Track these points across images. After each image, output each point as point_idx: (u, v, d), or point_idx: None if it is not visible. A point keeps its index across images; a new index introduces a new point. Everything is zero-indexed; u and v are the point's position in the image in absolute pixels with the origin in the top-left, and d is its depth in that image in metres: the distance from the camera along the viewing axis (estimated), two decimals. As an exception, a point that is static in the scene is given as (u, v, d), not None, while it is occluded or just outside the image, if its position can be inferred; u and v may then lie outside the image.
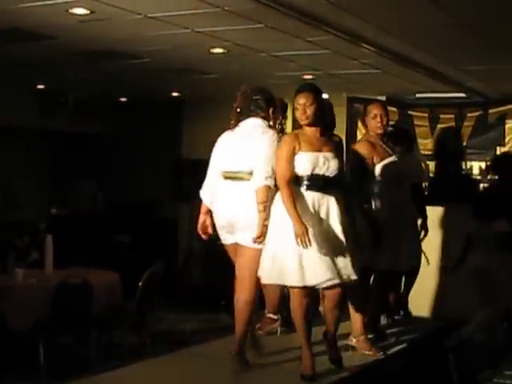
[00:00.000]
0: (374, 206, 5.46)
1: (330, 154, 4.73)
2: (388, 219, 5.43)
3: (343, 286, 4.75)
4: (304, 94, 4.78)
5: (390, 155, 5.55)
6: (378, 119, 5.55)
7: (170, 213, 11.92)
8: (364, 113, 5.76)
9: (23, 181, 11.64)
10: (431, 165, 10.08)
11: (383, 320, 6.25)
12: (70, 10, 6.02)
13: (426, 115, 10.25)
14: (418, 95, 10.16)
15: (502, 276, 6.08)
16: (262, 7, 5.55)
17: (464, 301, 8.18)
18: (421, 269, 7.35)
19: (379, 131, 5.57)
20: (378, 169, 5.46)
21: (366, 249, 5.33)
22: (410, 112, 10.32)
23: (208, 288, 10.54)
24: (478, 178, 9.87)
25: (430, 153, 10.14)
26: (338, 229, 4.64)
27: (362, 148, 5.58)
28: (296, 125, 7.80)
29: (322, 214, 4.64)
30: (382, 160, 5.48)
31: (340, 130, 8.61)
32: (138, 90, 10.94)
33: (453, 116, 10.07)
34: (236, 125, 5.09)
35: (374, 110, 5.59)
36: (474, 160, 9.94)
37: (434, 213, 8.00)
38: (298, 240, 4.45)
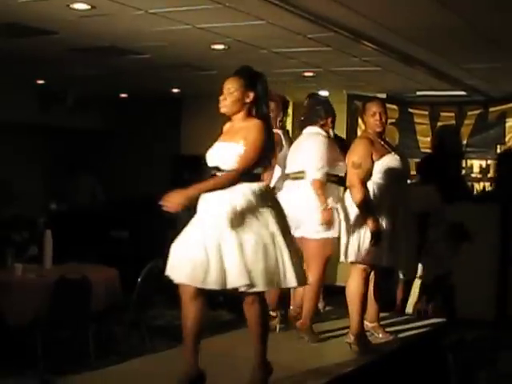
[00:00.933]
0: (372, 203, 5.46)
1: (223, 144, 4.21)
2: (385, 216, 5.43)
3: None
4: (231, 79, 4.34)
5: (389, 152, 5.55)
6: (377, 117, 5.54)
7: (169, 209, 11.87)
8: (363, 110, 5.76)
9: (22, 176, 11.65)
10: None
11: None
12: (71, 5, 6.02)
13: (427, 113, 10.24)
14: (418, 93, 10.16)
15: None
16: (263, 4, 5.55)
17: (462, 299, 8.21)
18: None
19: (378, 129, 5.56)
20: (376, 166, 5.46)
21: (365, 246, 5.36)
22: (410, 110, 10.31)
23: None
24: (479, 176, 9.87)
25: (430, 151, 10.14)
26: (212, 230, 4.05)
27: (360, 145, 5.58)
28: (296, 122, 7.82)
29: (207, 214, 4.12)
30: (380, 157, 5.48)
31: (340, 128, 8.64)
32: (138, 86, 10.93)
33: (453, 114, 10.06)
34: (300, 132, 5.80)
35: (373, 108, 5.58)
36: (475, 158, 9.93)
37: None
38: None
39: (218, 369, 4.75)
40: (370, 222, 5.29)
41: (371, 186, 5.45)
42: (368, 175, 5.43)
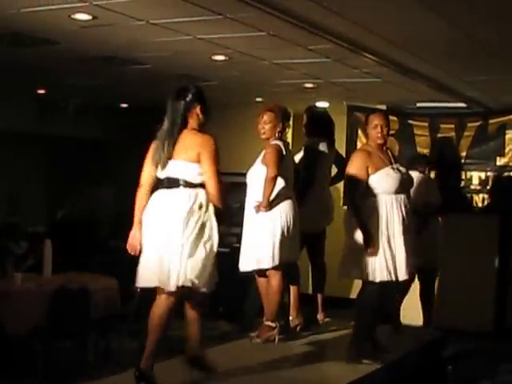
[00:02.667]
0: (366, 216, 5.48)
1: None
2: (381, 229, 5.44)
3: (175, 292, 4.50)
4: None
5: (387, 165, 5.57)
6: (379, 129, 5.59)
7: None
8: (365, 122, 5.81)
9: (23, 185, 11.65)
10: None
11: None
12: (73, 16, 6.03)
13: (426, 125, 10.24)
14: (418, 104, 10.17)
15: None
16: (264, 15, 5.56)
17: (461, 310, 8.21)
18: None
19: (379, 141, 5.61)
20: (372, 178, 5.49)
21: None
22: (410, 121, 10.31)
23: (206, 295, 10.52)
24: (478, 188, 9.87)
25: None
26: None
27: (357, 157, 5.63)
28: (297, 134, 7.87)
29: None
30: (377, 170, 5.50)
31: (340, 139, 8.64)
32: (138, 96, 10.94)
33: (453, 126, 10.05)
34: None
35: (375, 121, 5.64)
36: (474, 170, 9.93)
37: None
38: None
39: (215, 380, 4.75)
40: (363, 235, 5.33)
41: (367, 198, 5.47)
42: (363, 187, 5.46)
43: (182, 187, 4.50)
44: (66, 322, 6.80)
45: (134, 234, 4.69)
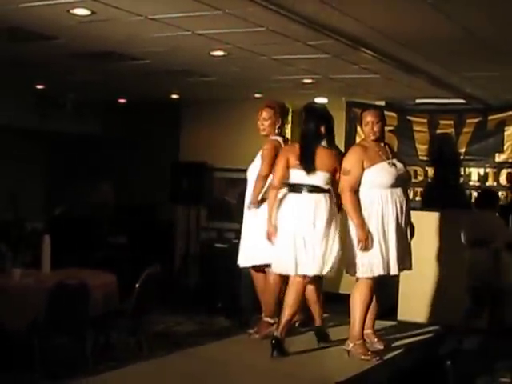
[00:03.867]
0: (361, 209, 5.49)
1: None
2: (377, 224, 5.45)
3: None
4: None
5: (383, 160, 5.57)
6: (370, 126, 5.62)
7: (167, 215, 11.91)
8: (360, 119, 5.86)
9: (22, 181, 11.65)
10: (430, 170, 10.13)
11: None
12: (71, 11, 6.01)
13: (425, 121, 10.24)
14: (417, 101, 10.17)
15: None
16: (263, 10, 5.55)
17: (460, 306, 8.20)
18: (418, 274, 7.35)
19: (371, 138, 5.65)
20: (367, 173, 5.50)
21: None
22: (409, 117, 10.32)
23: (204, 290, 10.54)
24: (477, 184, 9.87)
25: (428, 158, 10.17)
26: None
27: (352, 152, 5.66)
28: (296, 130, 7.85)
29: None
30: (372, 165, 5.52)
31: (339, 135, 8.63)
32: (137, 92, 10.93)
33: (452, 122, 10.06)
34: None
35: (367, 117, 5.67)
36: (473, 166, 9.93)
37: (430, 218, 8.02)
38: None
39: (213, 375, 4.75)
40: (357, 229, 5.35)
41: (362, 192, 5.49)
42: (358, 182, 5.48)
43: (320, 192, 5.47)
44: (64, 318, 6.79)
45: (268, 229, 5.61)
